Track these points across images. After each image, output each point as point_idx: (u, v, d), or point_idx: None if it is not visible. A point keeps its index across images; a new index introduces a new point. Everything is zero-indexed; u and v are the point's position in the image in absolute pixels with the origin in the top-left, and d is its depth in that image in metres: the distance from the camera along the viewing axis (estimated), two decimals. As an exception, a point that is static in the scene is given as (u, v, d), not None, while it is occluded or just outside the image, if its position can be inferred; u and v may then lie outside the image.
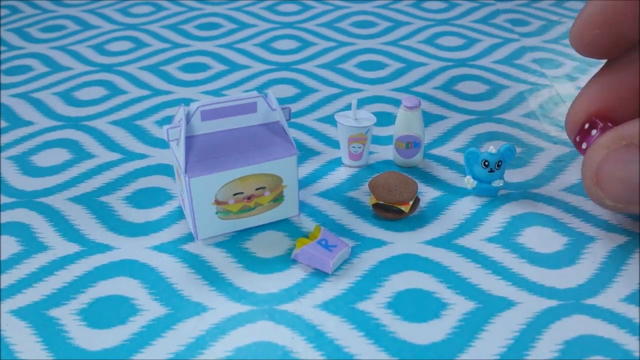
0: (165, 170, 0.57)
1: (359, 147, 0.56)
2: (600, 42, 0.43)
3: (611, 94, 0.43)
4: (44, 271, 0.47)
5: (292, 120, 0.64)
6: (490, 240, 0.49)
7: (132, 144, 0.61)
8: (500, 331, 0.41)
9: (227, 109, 0.47)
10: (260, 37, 0.82)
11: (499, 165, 0.51)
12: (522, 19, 0.87)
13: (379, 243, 0.49)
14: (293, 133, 0.62)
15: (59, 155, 0.60)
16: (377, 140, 0.61)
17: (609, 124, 0.41)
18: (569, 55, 0.77)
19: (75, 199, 0.54)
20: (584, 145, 0.43)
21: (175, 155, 0.47)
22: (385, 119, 0.64)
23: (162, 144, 0.61)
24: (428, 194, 0.54)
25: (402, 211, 0.50)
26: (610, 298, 0.43)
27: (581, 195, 0.53)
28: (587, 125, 0.41)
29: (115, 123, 0.64)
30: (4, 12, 0.92)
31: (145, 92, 0.70)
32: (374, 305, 0.43)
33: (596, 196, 0.35)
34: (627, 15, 0.39)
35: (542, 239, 0.48)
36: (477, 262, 0.47)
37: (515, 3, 0.92)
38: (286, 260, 0.47)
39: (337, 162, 0.58)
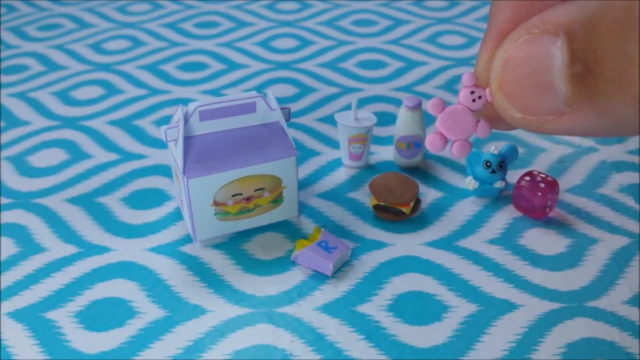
0: (163, 170, 0.57)
1: (360, 148, 0.55)
2: None
3: None
4: (41, 273, 0.46)
5: (292, 120, 0.64)
6: (492, 242, 0.48)
7: (130, 144, 0.61)
8: (503, 334, 0.41)
9: (225, 109, 0.46)
10: (259, 36, 0.82)
11: (501, 166, 0.50)
12: (523, 17, 0.86)
13: (380, 245, 0.48)
14: (293, 133, 0.62)
15: (56, 156, 0.59)
16: (378, 140, 0.60)
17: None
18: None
19: (72, 200, 0.53)
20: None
21: (174, 155, 0.47)
22: (385, 119, 0.63)
23: (160, 144, 0.61)
24: (429, 195, 0.53)
25: (403, 212, 0.49)
26: (613, 300, 0.43)
27: (584, 196, 0.52)
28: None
29: (112, 123, 0.64)
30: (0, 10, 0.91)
31: (143, 92, 0.69)
32: (375, 308, 0.43)
33: (502, 107, 0.25)
34: None
35: (545, 241, 0.48)
36: (479, 264, 0.46)
37: None
38: (286, 262, 0.47)
39: (337, 163, 0.57)
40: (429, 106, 0.26)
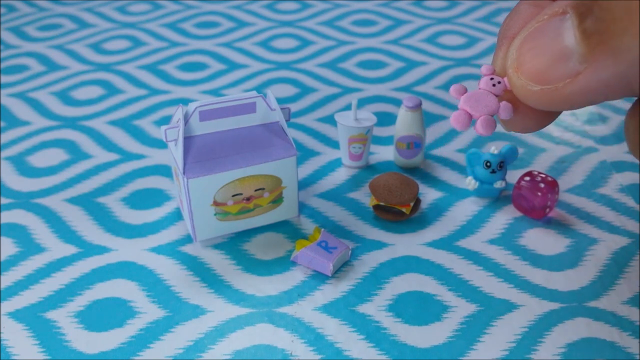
0: (163, 170, 0.57)
1: (360, 148, 0.55)
2: None
3: None
4: (41, 273, 0.46)
5: (292, 120, 0.64)
6: (492, 242, 0.48)
7: (130, 144, 0.61)
8: (503, 334, 0.41)
9: (225, 109, 0.46)
10: (259, 36, 0.82)
11: (501, 166, 0.50)
12: (523, 17, 0.86)
13: (380, 245, 0.48)
14: (293, 133, 0.62)
15: (56, 156, 0.59)
16: (378, 140, 0.60)
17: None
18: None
19: (72, 200, 0.53)
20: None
21: (174, 155, 0.47)
22: (385, 119, 0.63)
23: (160, 144, 0.61)
24: (429, 195, 0.53)
25: (403, 212, 0.49)
26: (613, 300, 0.43)
27: (584, 196, 0.52)
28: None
29: (112, 123, 0.64)
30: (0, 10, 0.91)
31: (143, 92, 0.69)
32: (375, 308, 0.43)
33: (520, 86, 0.27)
34: None
35: (545, 241, 0.48)
36: (479, 264, 0.46)
37: (517, 2, 0.92)
38: (286, 262, 0.47)
39: (337, 163, 0.57)
40: (451, 90, 0.26)
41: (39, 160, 0.59)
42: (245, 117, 0.47)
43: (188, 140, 0.46)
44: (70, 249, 0.48)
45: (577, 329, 0.41)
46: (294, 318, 0.42)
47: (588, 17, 0.24)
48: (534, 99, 0.26)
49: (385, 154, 0.58)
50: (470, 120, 0.26)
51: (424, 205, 0.52)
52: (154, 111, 0.66)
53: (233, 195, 0.47)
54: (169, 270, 0.46)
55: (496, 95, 0.27)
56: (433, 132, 0.61)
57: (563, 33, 0.25)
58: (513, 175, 0.54)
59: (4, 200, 0.53)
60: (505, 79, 0.27)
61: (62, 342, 0.41)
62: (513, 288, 0.44)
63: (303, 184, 0.55)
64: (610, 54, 0.24)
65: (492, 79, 0.27)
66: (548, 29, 0.26)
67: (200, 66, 0.74)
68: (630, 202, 0.52)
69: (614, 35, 0.23)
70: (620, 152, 0.58)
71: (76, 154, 0.59)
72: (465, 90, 0.26)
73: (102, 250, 0.48)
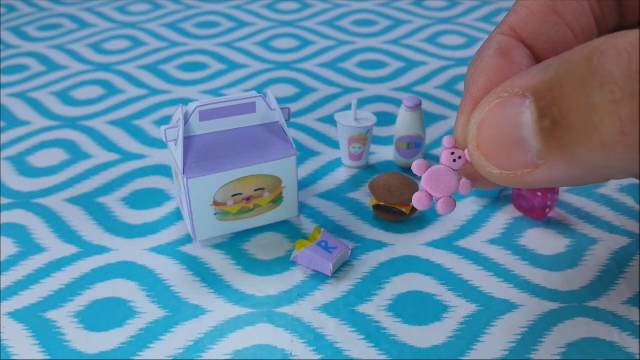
0: (163, 170, 0.57)
1: (360, 148, 0.55)
2: None
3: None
4: (41, 273, 0.46)
5: (292, 120, 0.64)
6: (492, 242, 0.48)
7: (130, 144, 0.61)
8: (502, 334, 0.41)
9: (225, 109, 0.46)
10: (259, 36, 0.82)
11: (500, 166, 0.50)
12: (523, 17, 0.86)
13: (380, 245, 0.48)
14: (292, 133, 0.62)
15: (56, 156, 0.59)
16: (378, 140, 0.60)
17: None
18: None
19: (72, 200, 0.53)
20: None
21: (174, 155, 0.47)
22: (385, 119, 0.63)
23: (160, 144, 0.61)
24: (429, 194, 0.53)
25: (403, 212, 0.49)
26: (613, 300, 0.43)
27: (584, 196, 0.52)
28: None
29: (112, 123, 0.64)
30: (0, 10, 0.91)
31: (143, 92, 0.69)
32: (375, 308, 0.43)
33: (480, 165, 0.27)
34: None
35: (544, 241, 0.48)
36: (479, 264, 0.46)
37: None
38: (286, 262, 0.47)
39: (337, 163, 0.57)
40: (413, 167, 0.28)
41: (39, 160, 0.59)
42: (245, 117, 0.47)
43: (188, 140, 0.46)
44: (70, 249, 0.48)
45: (577, 329, 0.41)
46: (294, 318, 0.42)
47: (547, 117, 0.23)
48: (494, 179, 0.27)
49: (385, 154, 0.58)
50: (432, 200, 0.28)
51: (424, 205, 0.52)
52: (154, 111, 0.66)
53: (233, 195, 0.47)
54: (169, 270, 0.46)
55: (456, 170, 0.28)
56: (433, 132, 0.61)
57: (522, 122, 0.25)
58: (513, 175, 0.54)
59: (4, 200, 0.53)
60: (466, 151, 0.28)
61: (62, 342, 0.41)
62: (513, 288, 0.44)
63: (303, 184, 0.55)
64: (566, 160, 0.23)
65: (453, 153, 0.28)
66: (507, 112, 0.25)
67: (200, 66, 0.74)
68: (630, 202, 0.52)
69: (571, 145, 0.23)
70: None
71: (76, 154, 0.59)
72: (427, 167, 0.28)
73: (102, 250, 0.48)
